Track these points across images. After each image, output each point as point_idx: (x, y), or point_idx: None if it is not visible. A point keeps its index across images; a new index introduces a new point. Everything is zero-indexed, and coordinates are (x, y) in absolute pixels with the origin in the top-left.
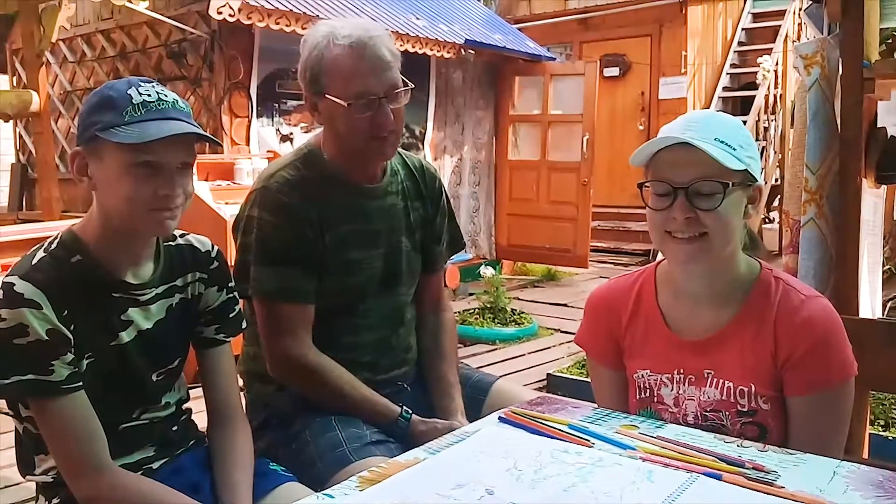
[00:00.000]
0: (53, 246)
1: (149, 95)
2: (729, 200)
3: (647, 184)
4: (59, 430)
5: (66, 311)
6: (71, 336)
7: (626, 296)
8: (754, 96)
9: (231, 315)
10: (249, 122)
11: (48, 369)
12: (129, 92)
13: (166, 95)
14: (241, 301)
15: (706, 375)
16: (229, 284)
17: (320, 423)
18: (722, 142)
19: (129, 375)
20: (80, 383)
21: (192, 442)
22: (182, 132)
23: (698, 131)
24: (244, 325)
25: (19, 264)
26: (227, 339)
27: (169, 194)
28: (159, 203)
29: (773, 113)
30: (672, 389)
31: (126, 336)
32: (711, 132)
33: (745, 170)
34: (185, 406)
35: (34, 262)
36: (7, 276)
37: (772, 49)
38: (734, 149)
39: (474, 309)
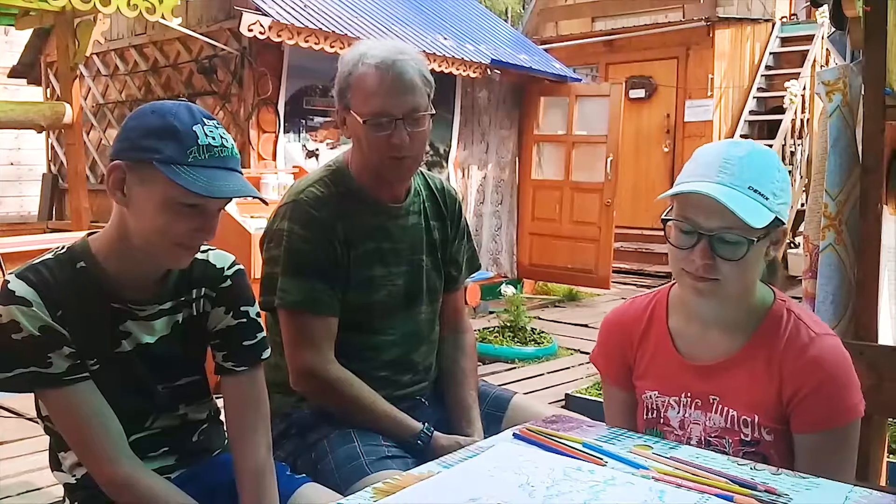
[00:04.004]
0: (62, 251)
1: (213, 139)
2: (752, 252)
3: (670, 221)
4: (70, 421)
5: (59, 311)
6: (67, 334)
7: (639, 317)
8: (781, 120)
9: (244, 343)
10: (276, 137)
11: (46, 362)
12: (194, 129)
13: (227, 141)
14: (262, 316)
15: (712, 401)
16: (241, 308)
17: (339, 434)
18: (755, 191)
19: (136, 385)
20: (85, 375)
21: (216, 452)
22: (244, 195)
23: (733, 176)
24: (264, 355)
25: (24, 265)
26: (237, 369)
27: (206, 236)
28: (190, 241)
29: (800, 137)
30: (678, 412)
31: (127, 345)
32: (746, 179)
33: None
34: (205, 415)
35: (35, 262)
36: (8, 275)
37: (799, 73)
38: (766, 198)
39: (494, 327)
